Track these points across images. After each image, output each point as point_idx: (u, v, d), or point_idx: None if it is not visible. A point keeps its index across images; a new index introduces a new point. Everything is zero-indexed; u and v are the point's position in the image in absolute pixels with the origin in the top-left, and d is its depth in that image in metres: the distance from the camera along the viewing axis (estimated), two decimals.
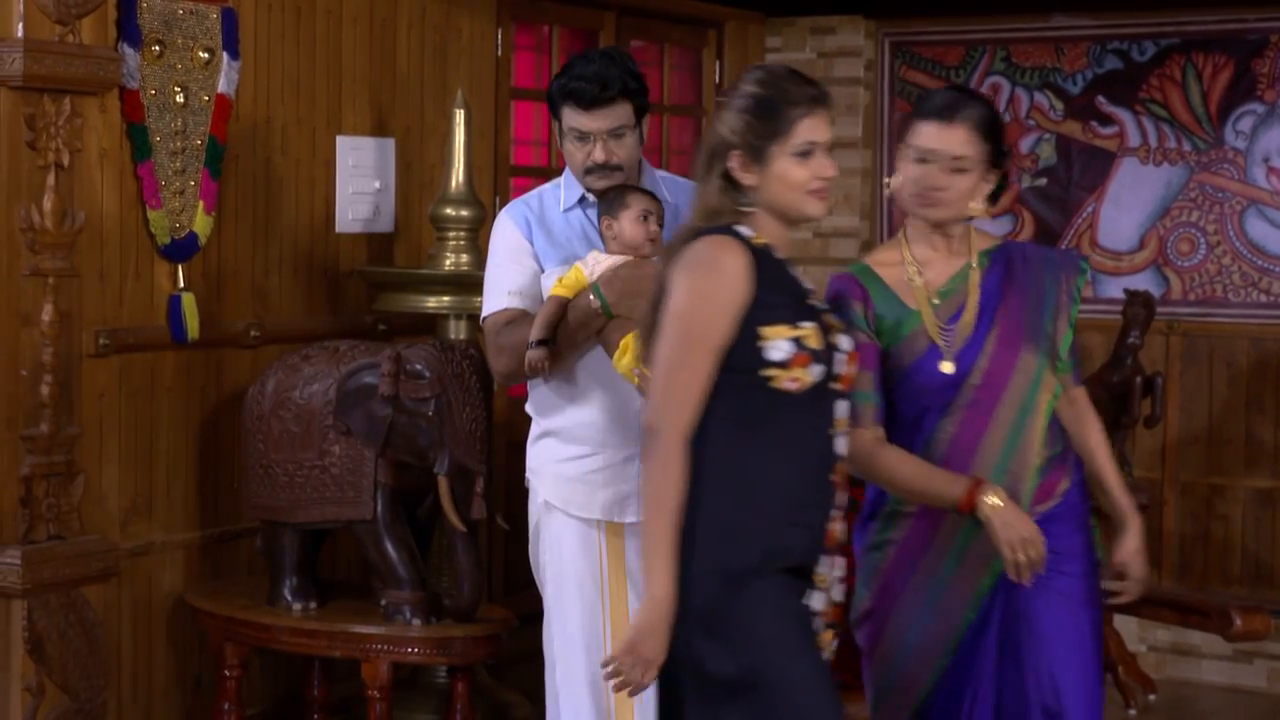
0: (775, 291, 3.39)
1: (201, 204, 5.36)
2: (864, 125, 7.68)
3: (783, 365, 3.34)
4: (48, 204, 4.83)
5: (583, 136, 4.08)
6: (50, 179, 4.84)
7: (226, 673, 5.18)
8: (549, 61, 6.84)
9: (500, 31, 6.54)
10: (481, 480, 4.94)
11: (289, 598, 5.13)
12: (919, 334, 3.75)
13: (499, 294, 4.15)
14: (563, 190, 4.20)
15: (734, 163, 3.43)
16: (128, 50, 5.13)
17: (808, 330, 3.37)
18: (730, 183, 3.45)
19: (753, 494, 3.34)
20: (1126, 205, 7.27)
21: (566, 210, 4.17)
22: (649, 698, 4.09)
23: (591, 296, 3.96)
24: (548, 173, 6.87)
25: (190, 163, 5.34)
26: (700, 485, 3.34)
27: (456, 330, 5.55)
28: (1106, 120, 7.27)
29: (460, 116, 5.64)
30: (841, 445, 3.46)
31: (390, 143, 6.06)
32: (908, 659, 3.79)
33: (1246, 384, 7.04)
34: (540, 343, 3.98)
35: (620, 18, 7.10)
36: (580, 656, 4.12)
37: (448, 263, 5.59)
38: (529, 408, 4.26)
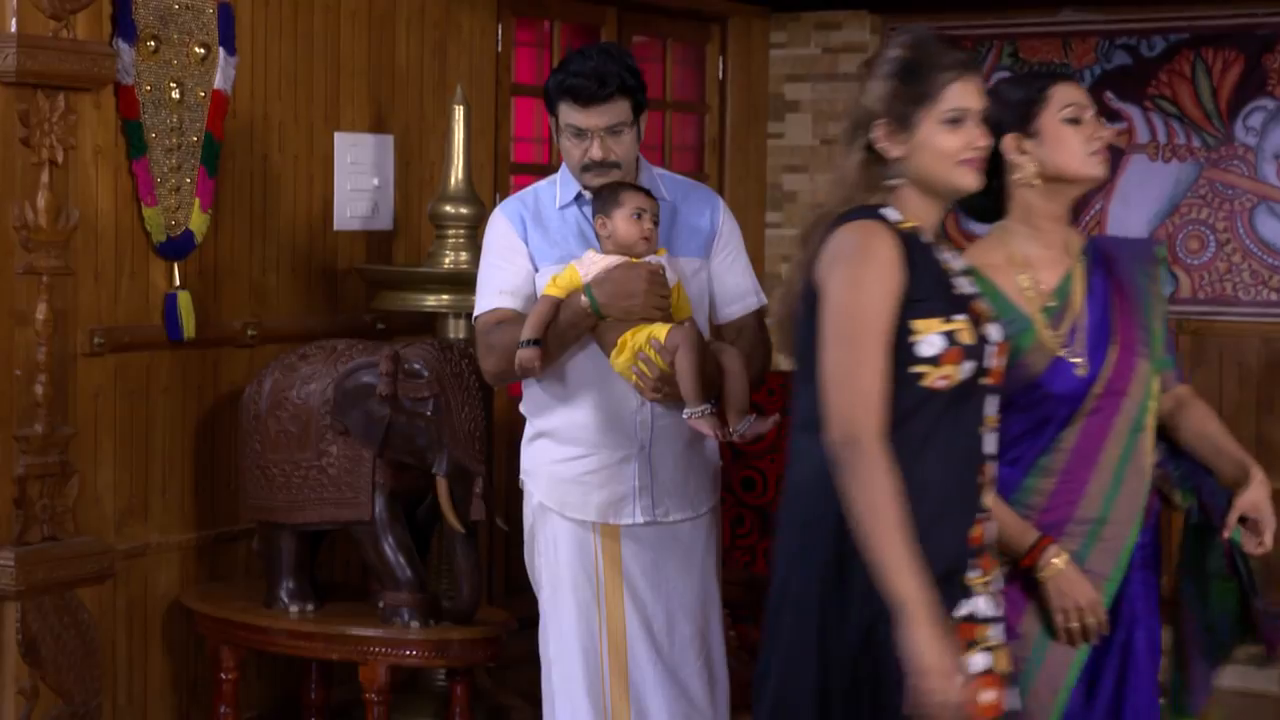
0: (926, 280, 3.21)
1: (197, 201, 5.36)
2: None
3: (933, 362, 3.17)
4: (42, 201, 4.84)
5: (580, 133, 4.07)
6: (44, 176, 4.84)
7: (223, 676, 5.18)
8: (550, 57, 6.83)
9: (500, 27, 6.54)
10: (481, 481, 4.94)
11: (286, 600, 5.12)
12: (1040, 344, 3.55)
13: (490, 293, 4.15)
14: (558, 187, 4.20)
15: (879, 133, 3.24)
16: (123, 46, 5.12)
17: (960, 324, 3.21)
18: (874, 156, 3.26)
19: None
20: (1135, 202, 7.25)
21: (562, 207, 4.17)
22: (648, 701, 4.11)
23: (583, 297, 3.96)
24: (548, 170, 6.84)
25: (186, 160, 5.34)
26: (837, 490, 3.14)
27: (456, 329, 5.55)
28: (1115, 116, 7.26)
29: (460, 113, 5.63)
30: (990, 444, 3.28)
31: (389, 139, 6.06)
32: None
33: (1257, 384, 7.03)
34: (531, 342, 3.97)
35: (622, 13, 7.09)
36: (576, 659, 4.12)
37: (447, 261, 5.59)
38: (523, 408, 4.26)
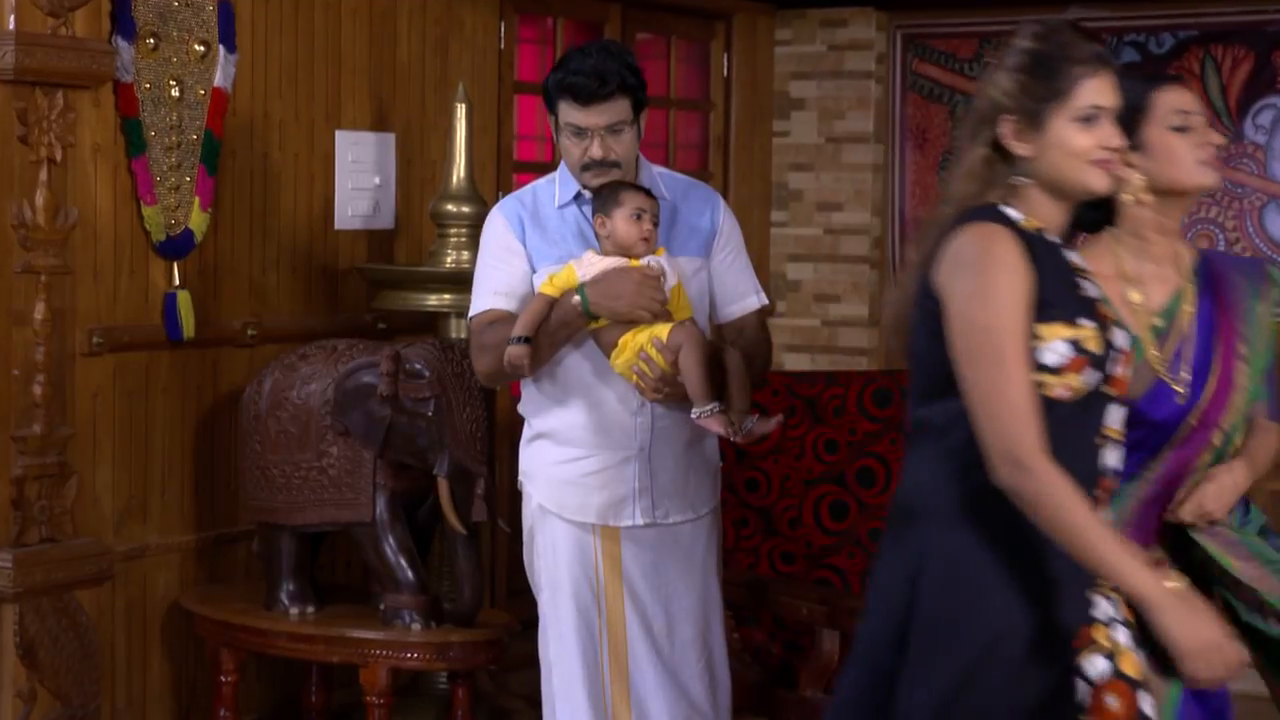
0: (1052, 282, 3.06)
1: (197, 200, 5.36)
2: (875, 120, 7.68)
3: (1055, 371, 3.03)
4: (40, 200, 4.84)
5: (579, 132, 4.07)
6: (43, 174, 4.84)
7: (223, 678, 5.18)
8: (553, 54, 6.83)
9: (503, 24, 6.54)
10: (482, 482, 4.94)
11: (286, 602, 5.13)
12: (1145, 363, 3.41)
13: (485, 293, 4.15)
14: (557, 186, 4.20)
15: (1005, 129, 3.11)
16: (122, 43, 5.12)
17: (1087, 331, 3.05)
18: (999, 153, 3.13)
19: (1011, 513, 3.02)
20: None
21: (561, 206, 4.17)
22: (649, 704, 4.10)
23: (575, 297, 3.96)
24: (551, 168, 6.78)
25: (186, 158, 5.34)
26: (955, 497, 3.07)
27: (457, 329, 5.54)
28: None
29: (462, 111, 5.63)
30: (1111, 457, 3.14)
31: (390, 137, 6.06)
32: None
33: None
34: (522, 340, 3.98)
35: (626, 10, 7.09)
36: (577, 662, 4.12)
37: (449, 260, 5.59)
38: (522, 409, 4.27)
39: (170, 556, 5.42)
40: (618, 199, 4.01)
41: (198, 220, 5.37)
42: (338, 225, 5.89)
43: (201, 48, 5.37)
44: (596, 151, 4.06)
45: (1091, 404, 3.09)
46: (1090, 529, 2.96)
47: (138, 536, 5.32)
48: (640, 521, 4.11)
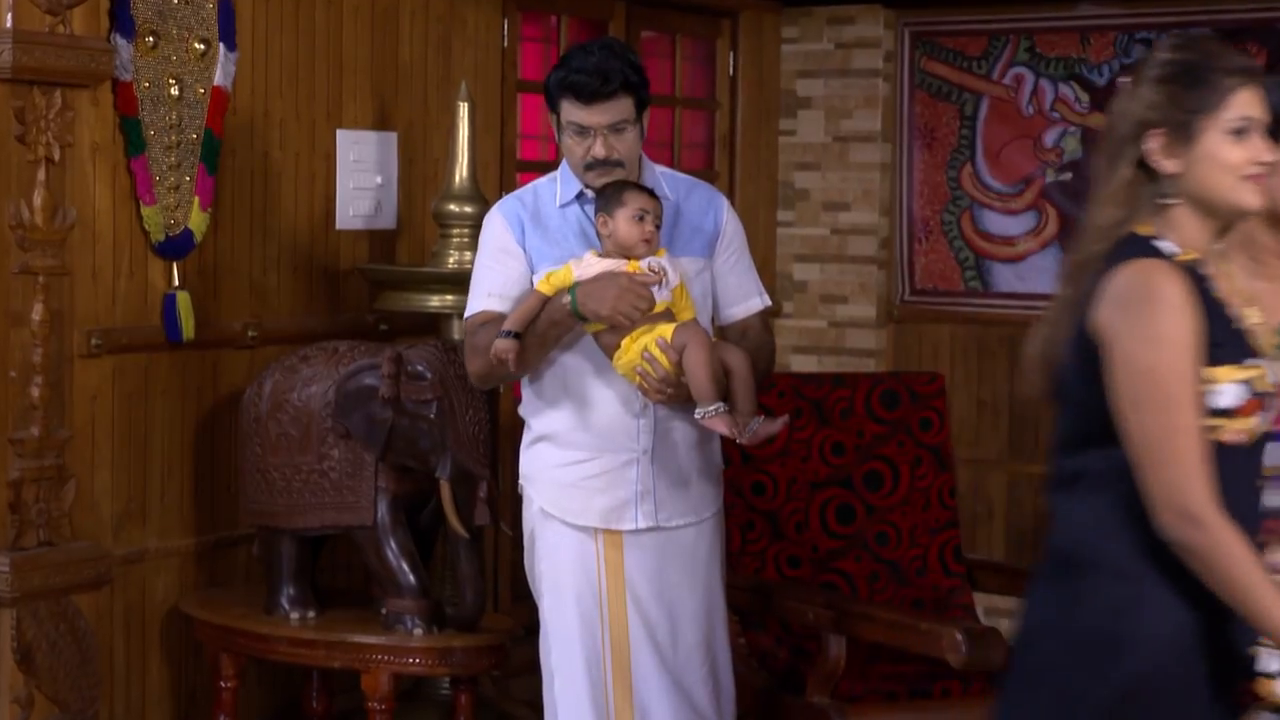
0: (1217, 322, 2.96)
1: (197, 200, 5.36)
2: (883, 118, 7.66)
3: (1229, 414, 2.93)
4: (38, 200, 4.83)
5: (582, 131, 4.07)
6: (40, 174, 4.83)
7: (222, 684, 5.18)
8: (556, 53, 6.80)
9: (506, 22, 6.53)
10: (485, 485, 4.93)
11: (286, 606, 5.12)
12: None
13: (479, 295, 4.17)
14: (559, 185, 4.20)
15: (1153, 144, 2.99)
16: (121, 41, 5.12)
17: (1257, 370, 2.97)
18: (1144, 173, 3.02)
19: (1169, 560, 2.94)
20: None
21: (563, 206, 4.17)
22: (652, 710, 4.10)
23: (566, 296, 3.96)
24: (554, 168, 6.82)
25: (185, 157, 5.34)
26: (1127, 547, 2.98)
27: (460, 330, 5.47)
28: None
29: (464, 110, 5.63)
30: (1273, 497, 3.07)
31: (392, 137, 6.05)
32: None
33: None
34: (511, 334, 3.98)
35: (630, 7, 7.08)
36: (579, 668, 4.11)
37: (451, 260, 5.58)
38: (522, 411, 4.26)
39: (169, 560, 5.41)
40: (621, 199, 4.01)
41: (197, 220, 5.36)
42: (339, 225, 5.89)
43: (201, 46, 5.37)
44: (599, 151, 4.05)
45: (1256, 445, 3.01)
46: (1262, 589, 2.88)
47: (137, 540, 5.32)
48: (643, 525, 4.11)
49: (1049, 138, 7.42)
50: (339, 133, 5.87)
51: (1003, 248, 7.57)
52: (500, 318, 4.09)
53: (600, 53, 4.06)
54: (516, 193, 4.29)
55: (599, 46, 4.11)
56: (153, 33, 5.24)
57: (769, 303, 4.32)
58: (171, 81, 5.30)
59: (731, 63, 7.65)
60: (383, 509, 5.01)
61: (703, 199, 4.24)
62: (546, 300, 3.99)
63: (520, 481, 4.28)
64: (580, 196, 4.16)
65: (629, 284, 3.94)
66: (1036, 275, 7.48)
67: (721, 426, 3.96)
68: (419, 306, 5.58)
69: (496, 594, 6.33)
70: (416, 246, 6.12)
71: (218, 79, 5.41)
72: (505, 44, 6.53)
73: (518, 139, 6.68)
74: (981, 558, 6.27)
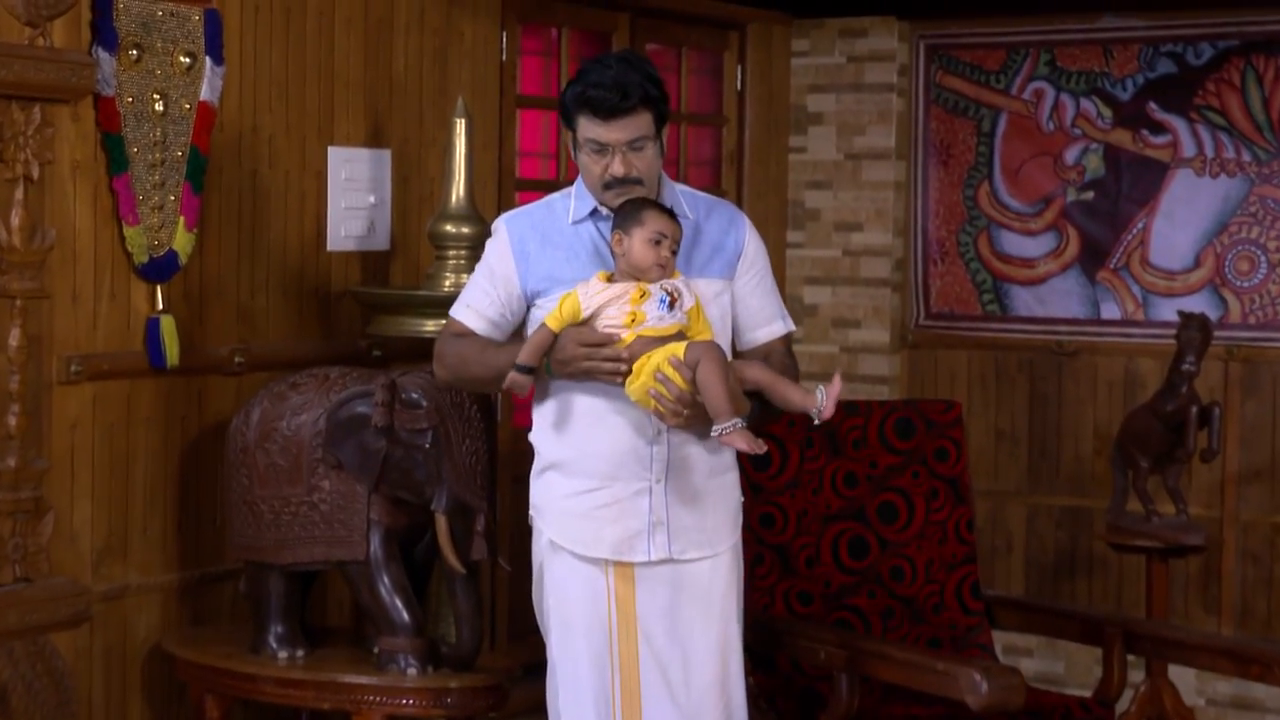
0: None
1: (182, 220, 5.35)
2: (897, 135, 7.66)
3: None
4: (16, 220, 4.83)
5: (600, 148, 4.07)
6: (19, 193, 4.83)
7: None
8: (557, 67, 6.83)
9: (505, 34, 6.53)
10: (482, 518, 4.92)
11: (274, 645, 5.11)
12: None
13: (462, 302, 4.30)
14: (573, 201, 4.21)
15: None
16: (103, 54, 5.11)
17: None
18: None
19: None
20: (1180, 221, 7.24)
21: (576, 222, 4.18)
22: None
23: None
24: (555, 186, 6.82)
25: (170, 176, 5.33)
26: None
27: None
28: (1159, 129, 7.25)
29: (461, 126, 5.62)
30: None
31: (386, 154, 6.05)
32: None
33: None
34: (525, 369, 4.05)
35: (635, 19, 7.09)
36: (588, 709, 4.10)
37: (447, 283, 5.58)
38: (532, 438, 4.26)
39: (152, 597, 5.39)
40: (640, 218, 4.01)
41: (182, 241, 5.36)
42: (330, 246, 5.89)
43: (187, 59, 5.37)
44: (618, 169, 4.06)
45: None
46: None
47: (117, 576, 5.30)
48: (655, 557, 4.10)
49: (1070, 155, 7.42)
50: (330, 150, 5.87)
51: (1022, 270, 7.57)
52: (470, 333, 4.22)
53: (618, 66, 4.07)
54: (529, 207, 4.31)
55: (617, 59, 4.11)
56: (136, 45, 5.23)
57: (792, 327, 4.34)
58: (156, 96, 5.30)
59: (739, 77, 7.65)
60: (375, 543, 4.99)
61: (724, 219, 4.25)
62: (554, 336, 4.02)
63: (530, 512, 4.28)
64: (594, 213, 4.17)
65: (588, 355, 4.01)
66: (1057, 298, 7.49)
67: (740, 443, 3.96)
68: (413, 331, 5.57)
69: (494, 632, 6.31)
70: (411, 269, 6.11)
71: (204, 94, 5.41)
72: (504, 57, 6.53)
73: (517, 157, 6.68)
74: (1000, 594, 6.25)
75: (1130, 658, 5.23)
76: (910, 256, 7.75)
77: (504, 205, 6.50)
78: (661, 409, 3.98)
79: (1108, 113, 7.34)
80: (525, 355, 4.04)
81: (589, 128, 4.07)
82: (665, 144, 4.16)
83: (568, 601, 4.16)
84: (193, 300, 5.47)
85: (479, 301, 4.23)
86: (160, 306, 5.33)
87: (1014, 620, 5.62)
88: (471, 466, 4.92)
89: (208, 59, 5.41)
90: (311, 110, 5.82)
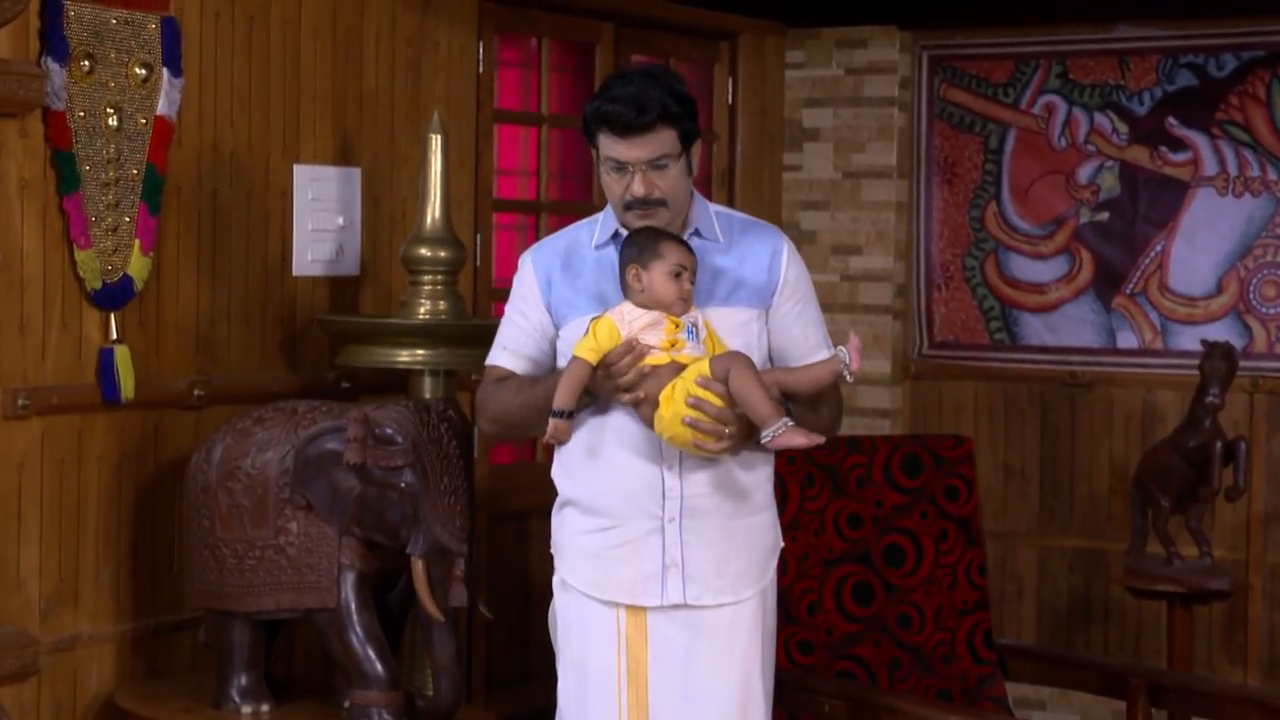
0: None
1: (138, 243, 5.34)
2: (899, 152, 7.67)
3: None
4: None
5: (619, 167, 4.10)
6: None
7: None
8: (537, 79, 6.84)
9: (482, 45, 6.53)
10: (462, 562, 4.92)
11: (238, 699, 5.09)
12: None
13: (497, 346, 4.28)
14: (599, 225, 4.22)
15: None
16: (53, 66, 5.10)
17: None
18: None
19: None
20: (1201, 243, 7.25)
21: (599, 247, 4.19)
22: None
23: None
24: (536, 207, 6.86)
25: (125, 195, 5.32)
26: None
27: (433, 388, 5.52)
28: (1178, 145, 7.26)
29: (438, 142, 5.61)
30: None
31: (356, 172, 6.05)
32: None
33: None
34: (565, 414, 4.06)
35: (620, 29, 7.10)
36: None
37: (422, 311, 5.57)
38: (552, 473, 4.28)
39: (104, 648, 5.37)
40: (658, 250, 4.04)
41: (138, 266, 5.34)
42: (296, 271, 5.88)
43: (143, 71, 5.36)
44: (638, 189, 4.07)
45: None
46: None
47: (67, 625, 5.28)
48: (668, 602, 4.09)
49: (1083, 173, 7.43)
50: (296, 168, 5.87)
51: (1031, 296, 7.58)
52: (509, 375, 4.20)
53: (640, 81, 4.09)
54: (551, 238, 4.37)
55: (641, 74, 4.14)
56: (88, 56, 5.22)
57: (835, 354, 4.32)
58: (109, 111, 5.28)
59: (730, 90, 7.67)
60: (347, 589, 4.98)
61: (761, 243, 4.24)
62: (592, 369, 4.00)
63: (551, 548, 4.31)
64: (616, 237, 4.18)
65: (605, 380, 4.04)
66: (1069, 327, 7.49)
67: (798, 438, 3.96)
68: (386, 362, 5.56)
69: (472, 683, 6.29)
70: (383, 295, 6.11)
71: (161, 108, 5.40)
72: (481, 69, 6.53)
73: (494, 175, 6.67)
74: (1015, 643, 6.24)
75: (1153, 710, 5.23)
76: (912, 282, 7.75)
77: (480, 227, 6.50)
78: (703, 436, 3.97)
79: (1124, 128, 7.35)
80: (561, 398, 4.05)
81: (608, 145, 4.10)
82: (695, 163, 4.17)
83: (577, 645, 4.19)
84: (149, 329, 5.46)
85: (515, 340, 4.25)
86: (114, 336, 5.32)
87: (1029, 671, 5.63)
88: (450, 507, 4.91)
89: (165, 70, 5.41)
90: (276, 125, 5.81)
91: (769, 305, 4.21)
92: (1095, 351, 7.47)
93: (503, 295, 6.76)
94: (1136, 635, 7.35)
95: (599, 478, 4.14)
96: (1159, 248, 7.33)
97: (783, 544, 4.32)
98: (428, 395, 5.50)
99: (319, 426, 5.01)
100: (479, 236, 6.47)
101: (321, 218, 5.94)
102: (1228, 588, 6.47)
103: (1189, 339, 7.15)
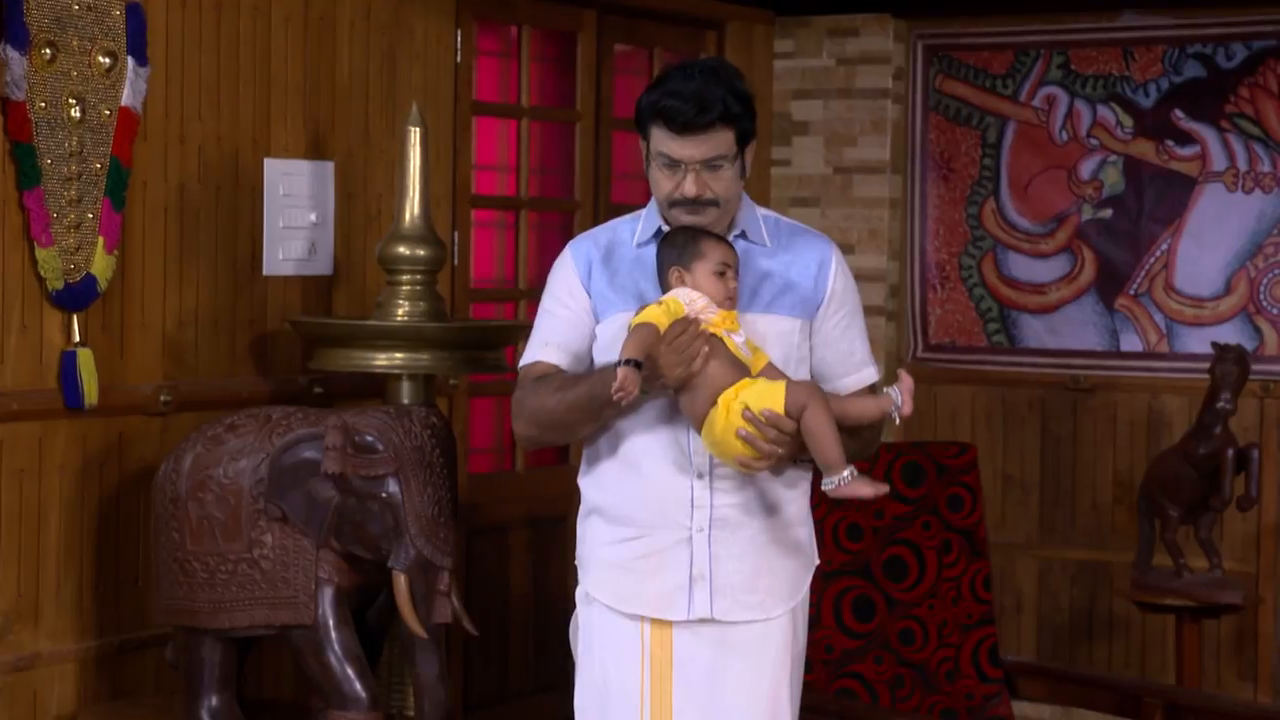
0: None
1: (101, 241, 5.33)
2: (893, 146, 7.68)
3: None
4: None
5: (672, 164, 4.07)
6: None
7: None
8: (517, 68, 6.85)
9: (460, 34, 6.54)
10: (446, 575, 4.92)
11: None
12: None
13: (537, 343, 4.20)
14: (641, 222, 4.20)
15: None
16: (12, 54, 5.10)
17: None
18: None
19: None
20: (1210, 240, 7.27)
21: (640, 245, 4.17)
22: None
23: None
24: (516, 204, 6.85)
25: (88, 191, 5.31)
26: None
27: (412, 393, 5.52)
28: (1185, 139, 7.28)
29: (416, 135, 5.61)
30: None
31: (329, 167, 6.05)
32: None
33: None
34: (634, 363, 3.90)
35: (603, 16, 7.12)
36: None
37: (399, 312, 5.56)
38: (579, 478, 4.26)
39: (65, 667, 5.37)
40: (700, 250, 4.02)
41: (102, 265, 5.34)
42: (267, 270, 5.89)
43: (107, 60, 5.35)
44: (690, 188, 4.05)
45: None
46: None
47: (27, 643, 5.27)
48: (694, 616, 4.09)
49: (1086, 169, 7.45)
50: (267, 162, 5.87)
51: (1031, 296, 7.60)
52: (554, 370, 4.13)
53: (701, 76, 4.06)
54: (591, 232, 4.34)
55: (702, 69, 4.11)
56: (50, 44, 5.21)
57: (879, 375, 4.31)
58: (72, 101, 5.28)
59: None
60: (324, 605, 4.97)
61: (809, 252, 4.23)
62: (659, 336, 3.97)
63: (576, 558, 4.31)
64: (658, 234, 4.16)
65: (667, 348, 3.96)
66: (1071, 328, 7.51)
67: (865, 489, 3.95)
68: (361, 366, 5.55)
69: (454, 703, 6.28)
70: (357, 296, 6.11)
71: (125, 98, 5.40)
72: (459, 59, 6.53)
73: (472, 170, 6.67)
74: (1022, 659, 6.26)
75: None
76: (907, 282, 7.77)
77: (459, 223, 6.49)
78: (754, 450, 3.96)
79: (1128, 121, 7.37)
80: (631, 350, 3.94)
81: (662, 140, 4.08)
82: (749, 164, 4.16)
83: (599, 660, 4.17)
84: (113, 331, 5.45)
85: (557, 333, 4.17)
86: (76, 338, 5.31)
87: (1037, 689, 5.65)
88: (434, 518, 4.91)
89: (130, 59, 5.40)
90: (246, 118, 5.81)
91: (813, 316, 4.19)
92: (1098, 354, 7.49)
93: (482, 296, 6.83)
94: (1142, 651, 7.37)
95: (627, 485, 4.12)
96: (1164, 246, 7.35)
97: (817, 561, 4.31)
98: (406, 401, 5.49)
99: (295, 434, 5.00)
100: (457, 234, 6.46)
101: (293, 214, 5.94)
102: (1239, 601, 6.49)
103: (1196, 341, 7.18)
